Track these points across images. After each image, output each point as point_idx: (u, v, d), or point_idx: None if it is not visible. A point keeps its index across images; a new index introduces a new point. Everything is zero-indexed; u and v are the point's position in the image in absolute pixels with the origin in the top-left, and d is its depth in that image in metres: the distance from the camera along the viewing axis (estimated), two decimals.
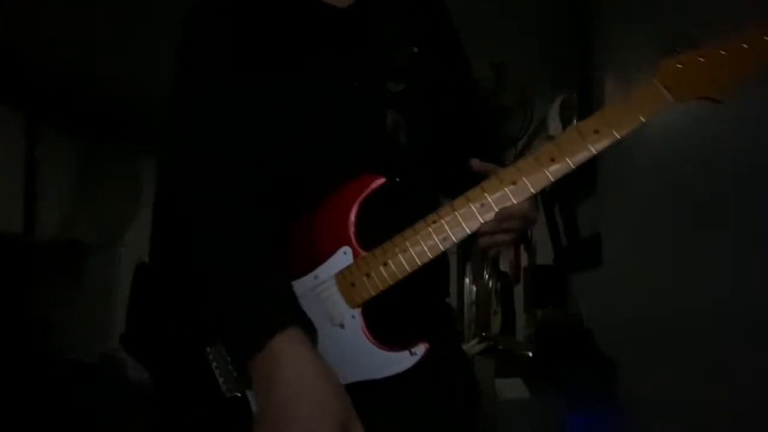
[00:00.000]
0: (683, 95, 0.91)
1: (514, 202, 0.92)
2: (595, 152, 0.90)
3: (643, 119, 0.90)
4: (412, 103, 1.02)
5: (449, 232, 0.93)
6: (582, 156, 0.91)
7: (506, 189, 0.92)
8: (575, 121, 3.04)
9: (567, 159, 0.90)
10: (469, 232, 0.93)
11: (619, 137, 0.90)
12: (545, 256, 3.44)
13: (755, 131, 1.60)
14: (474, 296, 5.29)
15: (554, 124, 3.41)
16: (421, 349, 0.91)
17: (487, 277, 4.76)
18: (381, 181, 0.94)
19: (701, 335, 1.83)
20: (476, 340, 4.00)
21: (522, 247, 3.98)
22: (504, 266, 4.43)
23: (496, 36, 3.08)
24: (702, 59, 0.91)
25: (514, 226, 0.95)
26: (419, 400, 0.97)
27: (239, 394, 0.94)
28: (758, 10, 1.51)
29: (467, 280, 5.63)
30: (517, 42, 3.29)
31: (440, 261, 0.99)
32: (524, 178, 0.92)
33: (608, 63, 2.70)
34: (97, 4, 2.99)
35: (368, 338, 0.93)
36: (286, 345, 0.82)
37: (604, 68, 2.74)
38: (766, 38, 0.90)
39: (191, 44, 1.08)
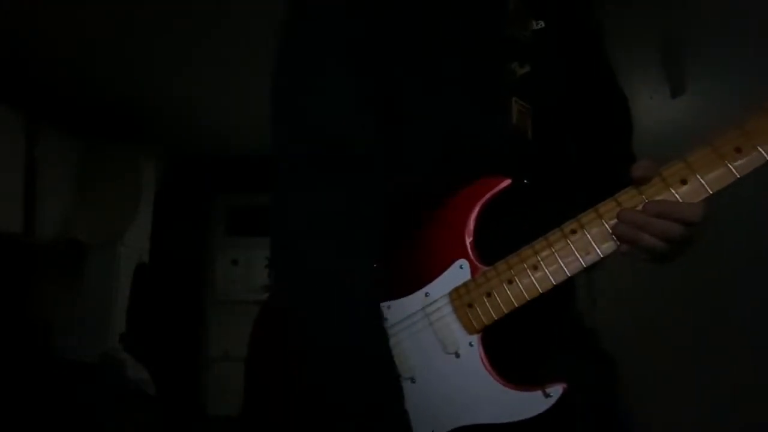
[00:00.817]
0: None
1: (738, 175, 0.73)
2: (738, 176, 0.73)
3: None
4: (539, 89, 0.84)
5: (594, 245, 0.76)
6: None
7: (672, 190, 0.73)
8: None
9: (758, 147, 0.71)
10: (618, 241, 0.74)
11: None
12: None
13: None
14: None
15: None
16: (557, 391, 0.74)
17: None
18: (506, 182, 0.78)
19: (701, 335, 1.83)
20: None
21: None
22: None
23: None
24: None
25: (667, 230, 0.73)
26: None
27: None
28: (757, 9, 1.51)
29: None
30: None
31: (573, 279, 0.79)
32: (698, 175, 0.72)
33: None
34: (97, 4, 2.99)
35: (489, 372, 0.77)
36: None
37: None
38: None
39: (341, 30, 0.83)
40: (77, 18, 3.11)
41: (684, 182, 0.73)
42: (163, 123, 4.64)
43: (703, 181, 0.72)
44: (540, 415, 0.73)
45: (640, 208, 0.73)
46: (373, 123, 0.80)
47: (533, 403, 0.74)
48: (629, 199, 0.74)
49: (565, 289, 0.80)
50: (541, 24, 0.85)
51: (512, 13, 0.83)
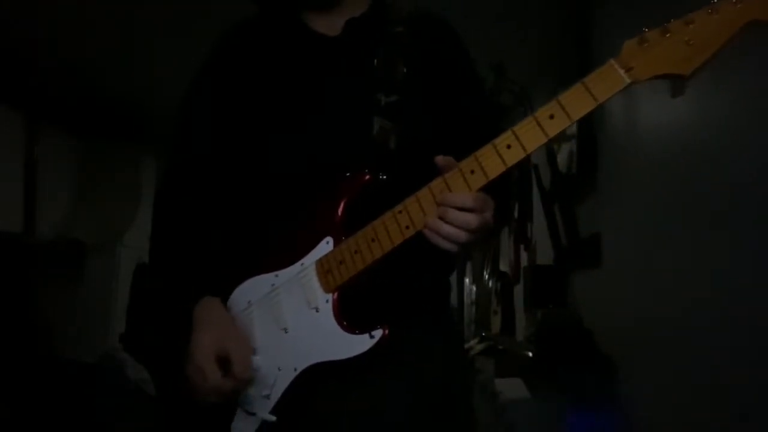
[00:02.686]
0: (641, 74, 0.87)
1: (471, 189, 0.93)
2: (550, 136, 0.90)
3: (597, 101, 0.87)
4: (403, 112, 1.09)
5: (411, 220, 0.97)
6: (537, 140, 0.91)
7: (464, 176, 0.94)
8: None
9: (523, 144, 0.91)
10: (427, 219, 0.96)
11: (572, 120, 0.89)
12: (545, 256, 3.44)
13: (755, 131, 1.60)
14: (474, 296, 5.28)
15: None
16: (379, 333, 0.96)
17: (487, 277, 4.76)
18: (366, 177, 1.02)
19: (701, 335, 1.83)
20: (476, 340, 4.00)
21: (522, 246, 3.98)
22: (504, 266, 4.42)
23: (495, 36, 3.08)
24: (667, 35, 0.86)
25: (460, 220, 0.94)
26: (377, 386, 1.02)
27: None
28: None
29: (467, 280, 5.63)
30: (517, 42, 3.29)
31: (424, 250, 0.99)
32: (482, 165, 0.93)
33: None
34: (98, 5, 2.99)
35: (337, 322, 1.00)
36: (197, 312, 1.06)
37: None
38: (735, 3, 0.82)
39: (202, 64, 1.23)
40: (77, 18, 3.11)
41: (473, 171, 0.94)
42: (163, 123, 4.64)
43: (484, 168, 0.93)
44: (369, 352, 0.96)
45: (443, 189, 0.95)
46: (210, 133, 1.17)
47: (362, 342, 0.97)
48: (436, 184, 0.96)
49: (406, 260, 1.00)
50: (404, 69, 1.11)
51: (380, 62, 1.11)
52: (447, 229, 0.94)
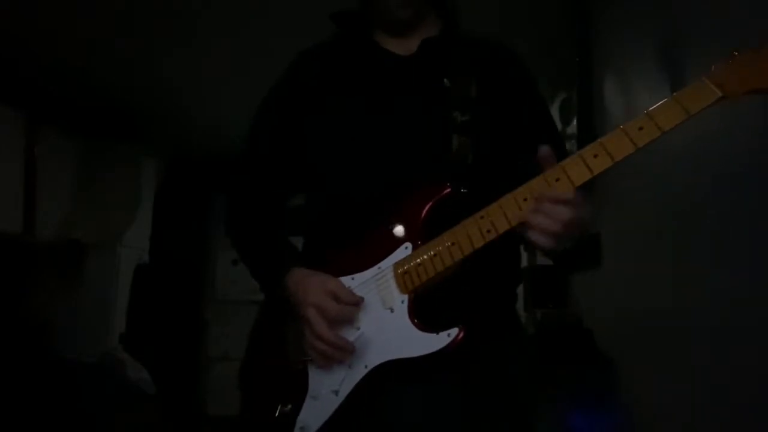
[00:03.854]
0: (733, 89, 0.90)
1: (575, 184, 0.95)
2: (639, 146, 0.93)
3: (689, 113, 0.90)
4: (479, 129, 1.13)
5: (493, 224, 0.98)
6: (624, 151, 0.93)
7: (550, 184, 0.96)
8: (575, 121, 3.04)
9: (609, 154, 0.93)
10: (510, 222, 0.98)
11: (664, 131, 0.92)
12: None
13: (753, 132, 1.60)
14: None
15: None
16: (455, 332, 0.97)
17: None
18: (447, 189, 1.05)
19: (701, 335, 1.83)
20: None
21: (522, 246, 3.98)
22: None
23: (495, 36, 3.08)
24: (754, 55, 0.90)
25: (554, 212, 0.95)
26: (445, 384, 1.05)
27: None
28: (755, 8, 1.51)
29: None
30: (516, 42, 3.28)
31: (502, 255, 1.08)
32: (567, 173, 0.95)
33: (607, 63, 2.71)
34: (98, 5, 2.99)
35: (411, 321, 1.01)
36: (289, 281, 1.11)
37: (603, 68, 2.74)
38: None
39: (277, 82, 1.29)
40: (77, 18, 3.11)
41: (558, 179, 0.96)
42: (163, 123, 4.64)
43: (569, 176, 0.95)
44: (443, 350, 0.98)
45: (527, 197, 0.98)
46: (269, 146, 1.25)
47: (438, 340, 0.98)
48: (520, 191, 0.98)
49: (485, 265, 1.03)
50: (474, 92, 1.15)
51: (454, 81, 1.16)
52: (540, 219, 0.95)
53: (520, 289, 4.02)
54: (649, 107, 0.93)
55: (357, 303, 1.05)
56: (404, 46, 1.20)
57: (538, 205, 0.96)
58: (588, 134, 2.77)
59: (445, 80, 1.16)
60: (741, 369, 1.62)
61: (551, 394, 2.55)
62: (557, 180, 0.96)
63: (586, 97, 2.88)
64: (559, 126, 3.32)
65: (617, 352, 2.45)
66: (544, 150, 0.98)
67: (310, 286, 1.08)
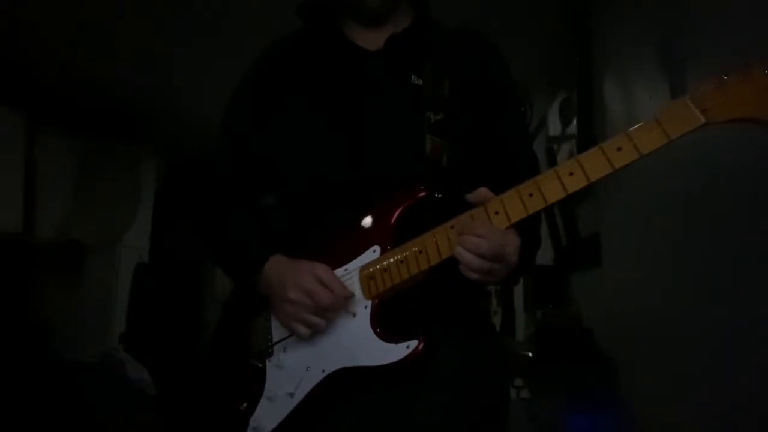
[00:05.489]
0: (717, 116, 0.87)
1: (528, 212, 0.93)
2: (616, 168, 0.90)
3: (669, 137, 0.88)
4: (453, 130, 1.09)
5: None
6: (601, 171, 0.90)
7: (522, 198, 0.94)
8: (575, 121, 3.04)
9: (586, 173, 0.91)
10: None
11: (642, 154, 0.89)
12: (545, 256, 3.44)
13: (754, 132, 1.60)
14: None
15: (554, 124, 3.41)
16: (414, 344, 0.95)
17: None
18: (421, 193, 1.02)
19: (701, 335, 1.83)
20: None
21: None
22: None
23: (495, 36, 3.07)
24: (743, 80, 0.85)
25: (467, 241, 0.94)
26: (405, 399, 1.02)
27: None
28: (755, 8, 1.51)
29: None
30: (516, 42, 3.28)
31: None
32: (541, 189, 0.93)
33: (607, 63, 2.70)
34: (98, 5, 2.99)
35: (372, 329, 0.99)
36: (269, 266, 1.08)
37: (603, 68, 2.74)
38: None
39: (244, 76, 1.26)
40: (77, 17, 3.11)
41: (531, 194, 0.94)
42: (163, 123, 4.64)
43: (543, 193, 0.93)
44: (402, 362, 0.95)
45: (498, 210, 0.96)
46: (248, 141, 1.20)
47: (396, 351, 0.96)
48: (494, 203, 0.96)
49: (453, 275, 0.97)
50: (446, 89, 1.10)
51: (426, 79, 1.11)
52: (458, 250, 0.94)
53: (519, 289, 4.03)
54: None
55: (347, 297, 1.02)
56: (374, 40, 1.16)
57: (459, 238, 0.95)
58: (588, 134, 2.77)
59: (413, 77, 1.11)
60: (741, 369, 1.62)
61: (551, 394, 2.55)
62: (496, 213, 0.95)
63: (586, 97, 2.87)
64: (560, 126, 3.32)
65: (617, 353, 2.45)
66: (481, 192, 0.97)
67: (300, 270, 1.04)
